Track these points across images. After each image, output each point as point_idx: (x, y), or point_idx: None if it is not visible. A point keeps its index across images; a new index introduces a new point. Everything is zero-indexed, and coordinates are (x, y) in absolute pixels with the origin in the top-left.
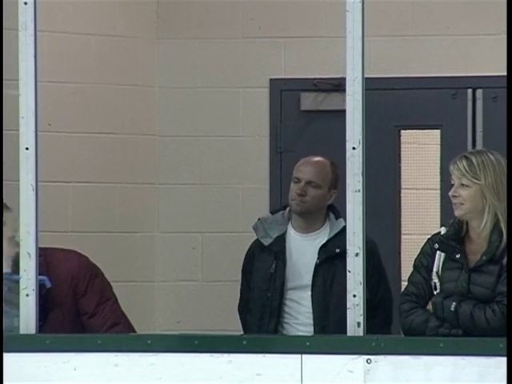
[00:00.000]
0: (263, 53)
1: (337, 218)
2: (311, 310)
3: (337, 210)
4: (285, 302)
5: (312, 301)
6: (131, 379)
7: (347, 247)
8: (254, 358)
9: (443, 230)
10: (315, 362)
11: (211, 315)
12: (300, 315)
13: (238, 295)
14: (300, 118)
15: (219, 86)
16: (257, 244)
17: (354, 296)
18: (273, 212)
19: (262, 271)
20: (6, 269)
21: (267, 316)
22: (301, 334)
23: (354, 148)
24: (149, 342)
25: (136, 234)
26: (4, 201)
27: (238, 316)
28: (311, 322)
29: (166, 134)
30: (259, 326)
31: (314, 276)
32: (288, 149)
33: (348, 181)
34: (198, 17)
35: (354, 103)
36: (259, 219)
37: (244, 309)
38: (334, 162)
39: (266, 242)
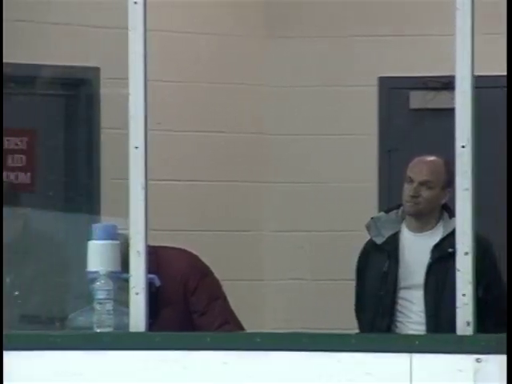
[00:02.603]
0: (372, 51)
1: (450, 217)
2: (424, 309)
3: (451, 209)
4: (397, 300)
5: (424, 300)
6: (240, 377)
7: (456, 246)
8: (363, 357)
9: None
10: (425, 361)
11: (320, 313)
12: (412, 314)
13: (347, 293)
14: (409, 117)
15: (328, 85)
16: (370, 243)
17: (464, 295)
18: (387, 211)
19: (375, 270)
20: (117, 267)
21: (380, 315)
22: (413, 332)
23: (463, 146)
24: (258, 340)
25: (245, 232)
26: (113, 199)
27: (355, 315)
28: (424, 320)
29: (275, 132)
30: (372, 324)
31: (426, 275)
32: (396, 147)
33: (457, 179)
34: (306, 15)
35: (463, 101)
36: (372, 218)
37: (359, 308)
38: (448, 160)
39: (379, 240)
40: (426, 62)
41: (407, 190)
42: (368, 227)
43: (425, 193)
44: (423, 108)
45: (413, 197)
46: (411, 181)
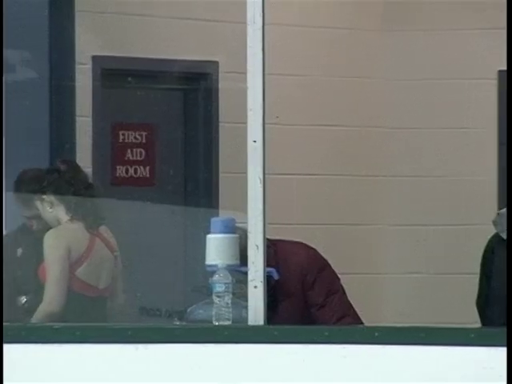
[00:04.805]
0: (491, 44)
1: None
2: None
3: None
4: None
5: None
6: (358, 371)
7: None
8: (480, 350)
9: None
10: None
11: (438, 307)
12: None
13: (465, 287)
14: None
15: (446, 78)
16: (496, 238)
17: None
18: None
19: (503, 266)
20: (235, 261)
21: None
22: None
23: None
24: (376, 334)
25: (363, 226)
26: (232, 193)
27: (477, 309)
28: None
29: (394, 126)
30: (503, 320)
31: None
32: None
33: None
34: (424, 8)
35: None
36: (498, 213)
37: (483, 303)
38: None
39: (506, 236)
40: None
41: None
42: (495, 222)
43: None
44: None
45: None
46: None
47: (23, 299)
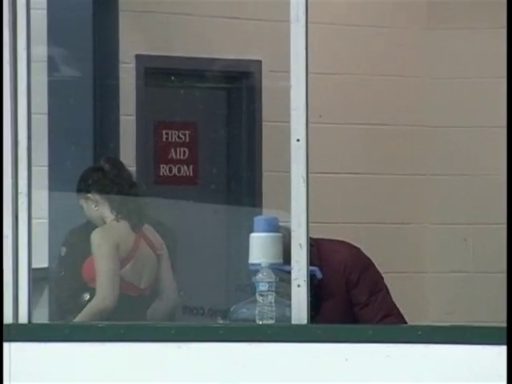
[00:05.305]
0: None
1: None
2: None
3: None
4: None
5: None
6: (403, 370)
7: None
8: None
9: None
10: None
11: (482, 306)
12: None
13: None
14: None
15: (488, 77)
16: None
17: None
18: None
19: None
20: (278, 259)
21: None
22: None
23: None
24: (419, 333)
25: (407, 225)
26: (275, 192)
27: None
28: None
29: (436, 124)
30: None
31: None
32: None
33: None
34: (468, 6)
35: None
36: None
37: None
38: None
39: None
40: None
41: None
42: None
43: None
44: None
45: None
46: None
47: (86, 296)
